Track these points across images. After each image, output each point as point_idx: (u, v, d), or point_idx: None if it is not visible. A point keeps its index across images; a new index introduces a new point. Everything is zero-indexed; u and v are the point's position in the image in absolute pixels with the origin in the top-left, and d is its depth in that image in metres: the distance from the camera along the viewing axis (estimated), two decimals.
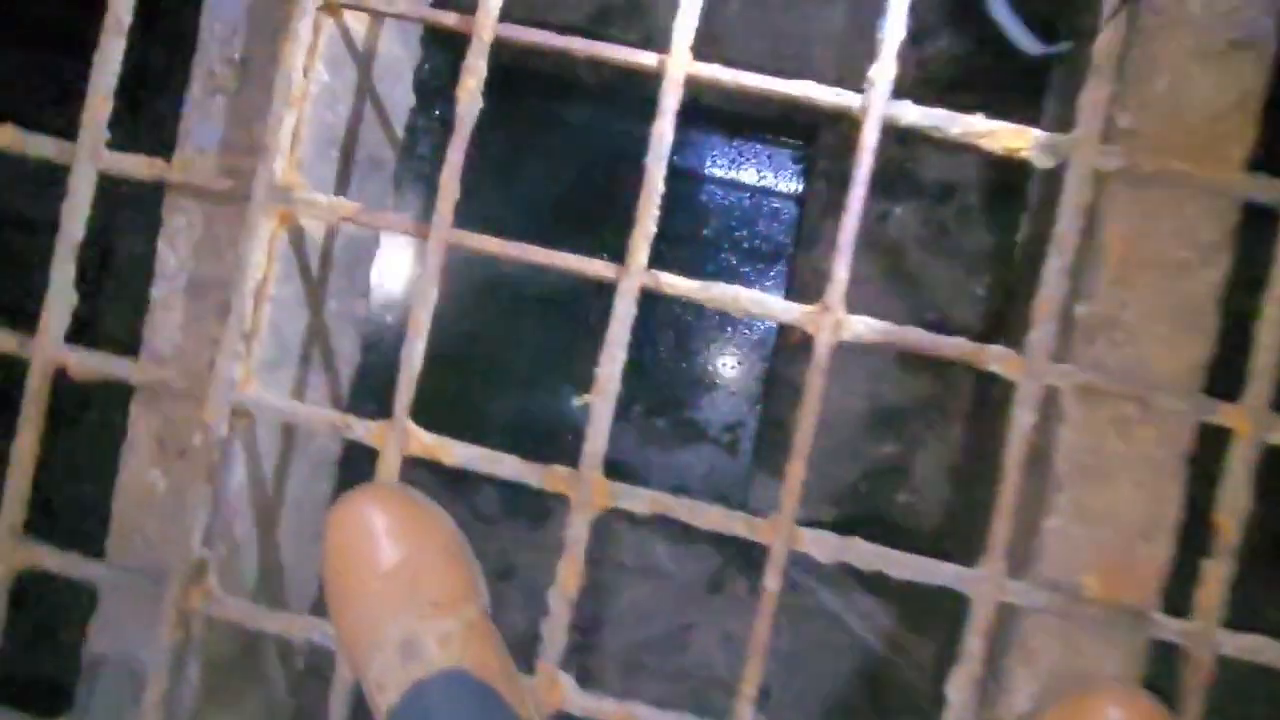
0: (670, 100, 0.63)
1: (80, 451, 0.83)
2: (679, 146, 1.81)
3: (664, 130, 0.63)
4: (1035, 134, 0.61)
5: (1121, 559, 0.62)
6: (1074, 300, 0.64)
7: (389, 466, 0.64)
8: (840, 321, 0.62)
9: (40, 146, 0.67)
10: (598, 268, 0.64)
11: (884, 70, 0.62)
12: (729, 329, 1.85)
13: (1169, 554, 0.62)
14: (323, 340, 0.79)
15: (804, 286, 1.69)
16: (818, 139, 1.75)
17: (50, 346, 0.67)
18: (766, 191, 1.77)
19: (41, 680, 0.82)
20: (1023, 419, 0.61)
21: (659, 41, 0.63)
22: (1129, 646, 0.62)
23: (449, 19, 0.66)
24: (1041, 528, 0.63)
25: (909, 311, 1.59)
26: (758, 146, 1.73)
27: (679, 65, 0.63)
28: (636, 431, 1.83)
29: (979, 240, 1.52)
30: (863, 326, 0.62)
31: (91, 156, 0.66)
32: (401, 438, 0.64)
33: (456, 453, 0.64)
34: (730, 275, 1.82)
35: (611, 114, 1.75)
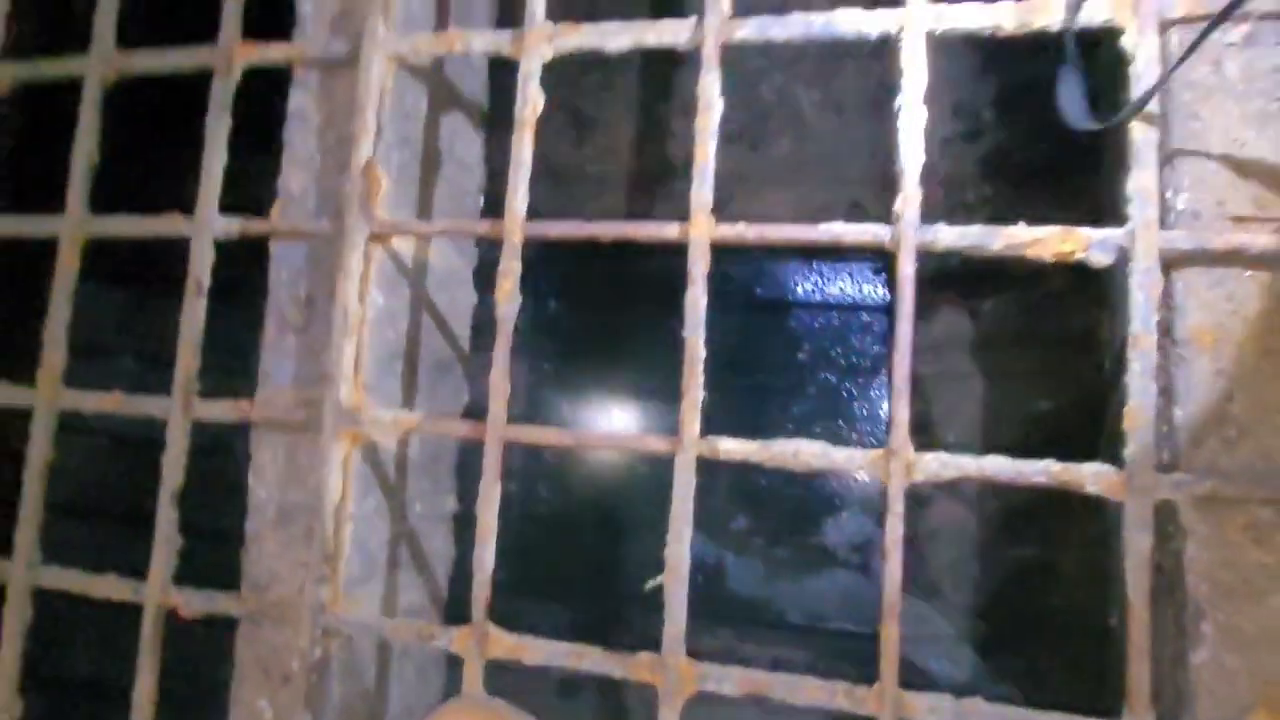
0: (699, 269, 0.63)
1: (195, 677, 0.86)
2: (760, 277, 1.82)
3: (697, 298, 0.63)
4: (1084, 234, 0.58)
5: None
6: (1171, 402, 0.58)
7: (473, 673, 0.63)
8: (911, 463, 0.58)
9: (140, 405, 0.74)
10: (652, 444, 0.63)
11: (909, 199, 0.60)
12: (840, 442, 1.79)
13: None
14: (412, 544, 0.80)
15: (900, 394, 1.62)
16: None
17: (160, 590, 0.71)
18: (854, 306, 1.74)
19: None
20: (1136, 543, 0.54)
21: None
22: None
23: (481, 228, 0.69)
24: (1190, 663, 0.55)
25: (1017, 405, 1.50)
26: (837, 264, 1.72)
27: (702, 233, 0.63)
28: (761, 563, 1.76)
29: (1072, 322, 1.45)
30: (937, 465, 0.58)
31: (184, 409, 0.71)
32: (483, 643, 0.63)
33: (539, 651, 0.63)
34: (833, 394, 1.78)
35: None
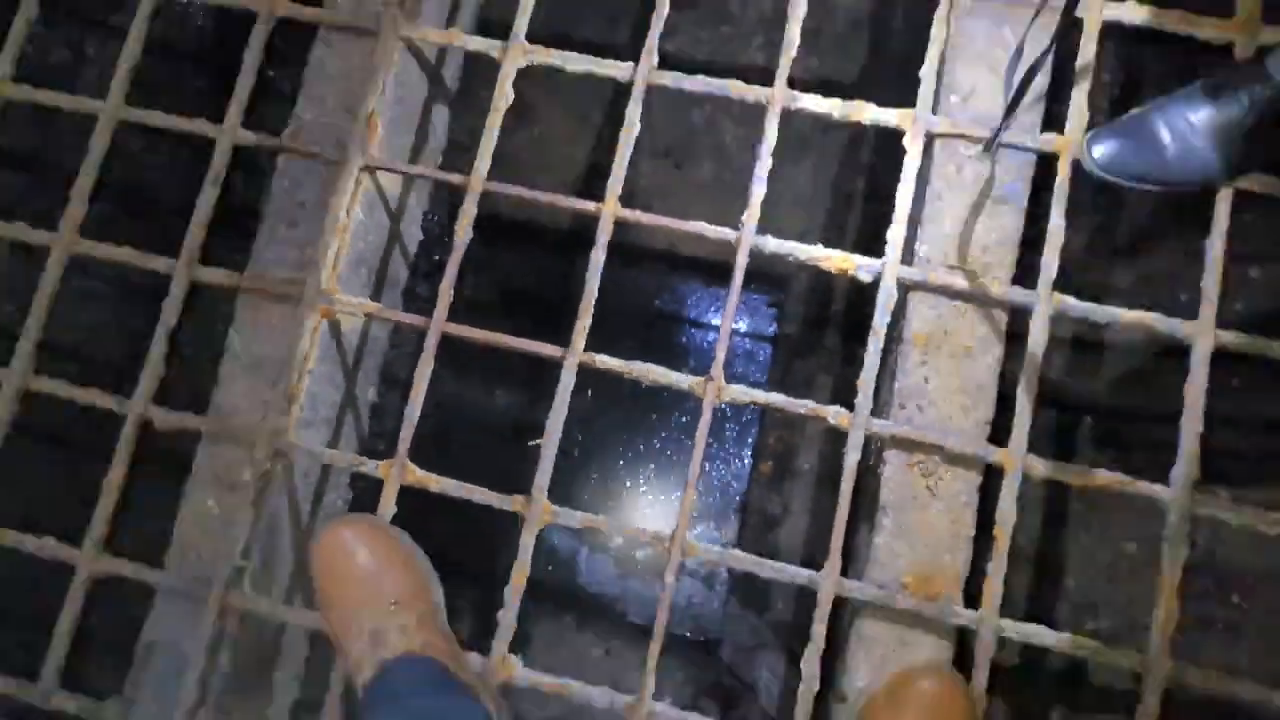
0: (603, 236, 0.96)
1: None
2: (660, 292, 2.11)
3: (598, 256, 0.96)
4: (857, 259, 0.94)
5: (931, 565, 0.90)
6: (894, 378, 0.95)
7: (389, 494, 0.92)
8: (721, 388, 0.92)
9: (148, 262, 1.00)
10: (547, 350, 0.95)
11: (752, 214, 0.95)
12: (708, 459, 2.01)
13: (967, 560, 0.90)
14: (352, 410, 1.09)
15: (773, 424, 1.93)
16: (789, 286, 2.07)
17: (140, 405, 0.97)
18: (742, 334, 2.06)
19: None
20: (850, 459, 0.90)
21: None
22: (939, 632, 0.88)
23: (454, 178, 1.00)
24: (874, 544, 0.91)
25: None
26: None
27: (610, 209, 0.97)
28: (613, 563, 1.99)
29: None
30: (739, 391, 0.93)
31: (188, 267, 0.99)
32: (401, 471, 0.93)
33: (441, 483, 0.93)
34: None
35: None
